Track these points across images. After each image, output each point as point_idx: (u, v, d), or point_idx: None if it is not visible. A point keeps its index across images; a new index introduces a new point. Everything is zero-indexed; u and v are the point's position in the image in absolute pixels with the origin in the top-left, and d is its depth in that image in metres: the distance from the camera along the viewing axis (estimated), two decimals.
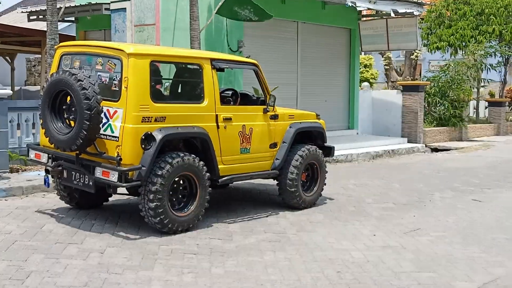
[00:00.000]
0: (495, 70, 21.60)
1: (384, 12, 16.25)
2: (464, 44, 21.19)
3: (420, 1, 16.86)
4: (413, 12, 15.78)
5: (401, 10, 15.52)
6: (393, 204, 9.20)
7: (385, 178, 11.72)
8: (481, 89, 23.59)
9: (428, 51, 22.56)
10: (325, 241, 6.95)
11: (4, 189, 8.66)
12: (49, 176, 7.57)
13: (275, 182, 8.65)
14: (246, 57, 10.76)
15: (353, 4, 13.95)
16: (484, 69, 21.00)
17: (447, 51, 21.92)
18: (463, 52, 21.14)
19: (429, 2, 22.50)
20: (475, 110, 23.36)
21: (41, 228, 6.98)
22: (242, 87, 13.03)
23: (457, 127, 19.15)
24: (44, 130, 7.04)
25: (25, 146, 9.22)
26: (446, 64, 20.27)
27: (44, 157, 7.40)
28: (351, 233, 7.39)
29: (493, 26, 20.89)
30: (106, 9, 13.48)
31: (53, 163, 7.26)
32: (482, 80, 22.15)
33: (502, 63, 22.40)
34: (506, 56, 22.40)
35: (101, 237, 6.68)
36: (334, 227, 7.66)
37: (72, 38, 16.67)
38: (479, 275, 5.91)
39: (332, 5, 15.67)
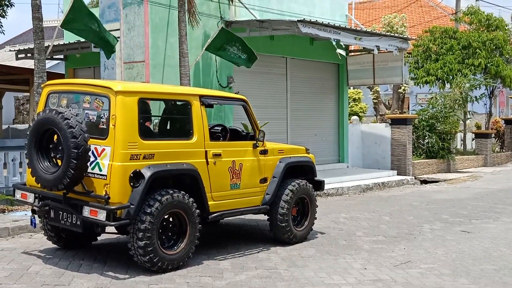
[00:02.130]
0: (477, 102, 21.78)
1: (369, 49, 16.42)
2: (451, 77, 21.41)
3: (405, 36, 17.01)
4: (396, 48, 15.86)
5: (386, 46, 15.65)
6: (383, 237, 9.16)
7: (375, 211, 11.69)
8: (468, 121, 23.77)
9: (416, 85, 22.75)
10: (316, 276, 6.89)
11: None
12: (36, 216, 7.47)
13: (266, 217, 8.60)
14: (235, 93, 10.80)
15: (337, 41, 14.05)
16: (469, 101, 21.20)
17: (435, 85, 22.13)
18: (450, 85, 21.36)
19: (415, 37, 22.79)
20: (462, 142, 23.50)
21: (27, 269, 6.86)
22: (232, 122, 13.06)
23: (445, 159, 19.25)
24: (30, 169, 6.97)
25: (12, 186, 9.12)
26: (433, 97, 20.45)
27: (30, 197, 7.30)
28: (342, 267, 7.33)
29: (479, 60, 21.16)
30: (95, 46, 13.53)
31: (40, 203, 7.17)
32: (468, 112, 22.35)
33: (487, 95, 22.61)
34: (491, 89, 22.64)
35: (89, 278, 6.57)
36: (325, 261, 7.60)
37: (61, 75, 16.72)
38: None
39: (319, 41, 15.84)
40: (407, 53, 20.34)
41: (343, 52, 14.29)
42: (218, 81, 13.87)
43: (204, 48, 12.94)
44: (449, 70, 21.28)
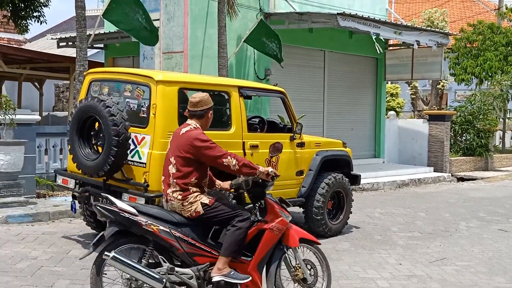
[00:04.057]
0: None
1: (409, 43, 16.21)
2: (490, 75, 21.00)
3: (446, 31, 16.72)
4: (436, 43, 15.60)
5: (426, 41, 15.41)
6: (419, 233, 9.10)
7: (411, 207, 11.60)
8: (507, 119, 23.37)
9: (456, 81, 22.40)
10: (351, 270, 6.89)
11: (31, 215, 8.73)
12: (76, 201, 7.62)
13: (301, 209, 8.61)
14: (274, 85, 10.81)
15: (376, 35, 13.92)
16: (510, 99, 20.78)
17: (472, 83, 21.72)
18: (489, 83, 20.96)
19: (456, 32, 22.40)
20: (501, 140, 23.09)
21: (67, 253, 7.02)
22: (269, 114, 13.08)
23: (483, 157, 18.94)
24: (72, 155, 7.10)
25: (53, 171, 9.31)
26: (472, 94, 20.12)
27: (71, 183, 7.45)
28: (377, 261, 7.31)
29: None
30: None
31: (80, 188, 7.31)
32: (508, 110, 21.92)
33: None
34: None
35: None
36: (360, 255, 7.59)
37: (101, 64, 16.93)
38: None
39: (358, 34, 15.72)
40: (448, 48, 20.00)
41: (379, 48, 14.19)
42: (256, 73, 13.90)
43: (242, 40, 12.99)
44: (489, 68, 20.86)
